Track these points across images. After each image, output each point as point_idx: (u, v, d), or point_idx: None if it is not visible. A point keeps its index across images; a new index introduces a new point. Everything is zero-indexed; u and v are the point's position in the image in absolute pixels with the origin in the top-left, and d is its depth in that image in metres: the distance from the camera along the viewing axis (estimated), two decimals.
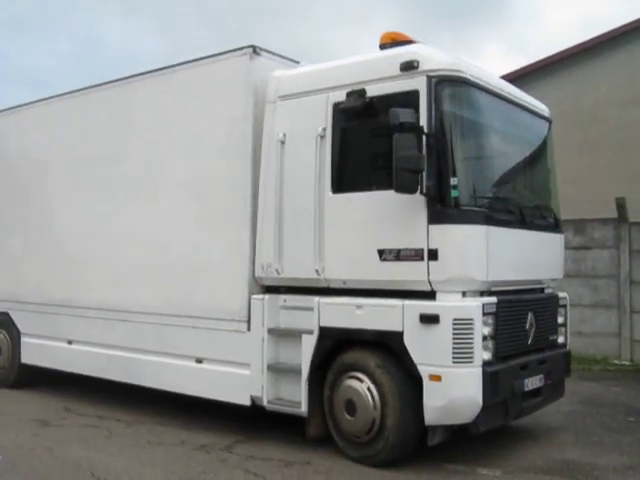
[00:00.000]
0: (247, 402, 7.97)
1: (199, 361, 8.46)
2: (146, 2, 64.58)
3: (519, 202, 7.72)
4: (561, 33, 50.88)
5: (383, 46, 7.68)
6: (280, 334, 7.85)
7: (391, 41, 7.67)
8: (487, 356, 6.79)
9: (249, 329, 7.95)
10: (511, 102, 7.90)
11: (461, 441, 7.46)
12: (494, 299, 6.94)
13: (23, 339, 10.96)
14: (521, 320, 7.46)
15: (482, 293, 7.00)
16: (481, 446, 7.71)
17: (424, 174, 6.68)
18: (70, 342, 10.11)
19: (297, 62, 8.56)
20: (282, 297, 7.92)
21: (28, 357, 10.89)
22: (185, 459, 7.42)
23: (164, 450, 7.78)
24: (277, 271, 7.81)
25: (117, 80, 9.59)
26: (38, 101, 10.83)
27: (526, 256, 7.68)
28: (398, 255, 6.93)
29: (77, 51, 64.22)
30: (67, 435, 8.47)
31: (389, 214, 6.99)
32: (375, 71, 7.29)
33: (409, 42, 7.55)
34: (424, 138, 6.71)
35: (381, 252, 7.04)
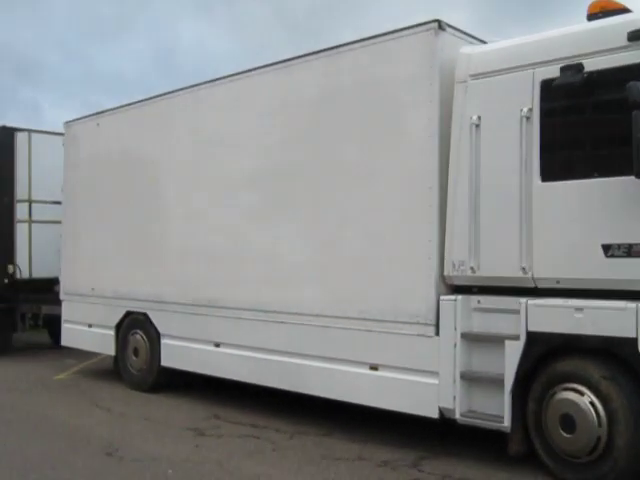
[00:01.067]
0: (435, 414, 7.19)
1: (374, 368, 7.71)
2: (219, 2, 64.33)
3: None
4: None
5: (592, 16, 6.84)
6: (473, 339, 7.05)
7: (601, 9, 6.82)
8: None
9: (437, 333, 7.17)
10: None
11: None
12: None
13: (163, 341, 10.38)
14: None
15: None
16: None
17: None
18: (218, 345, 9.47)
19: (483, 41, 7.75)
20: (475, 298, 7.11)
21: (169, 360, 10.31)
22: (373, 478, 6.68)
23: (345, 467, 7.05)
24: (472, 269, 7.01)
25: (271, 64, 8.91)
26: (180, 90, 10.20)
27: None
28: (629, 251, 6.08)
29: (151, 53, 64.47)
30: (230, 446, 7.82)
31: (617, 204, 6.15)
32: (594, 43, 6.43)
33: (622, 10, 6.70)
34: None
35: (607, 247, 6.19)
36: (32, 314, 14.68)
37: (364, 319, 7.74)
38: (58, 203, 13.56)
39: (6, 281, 14.16)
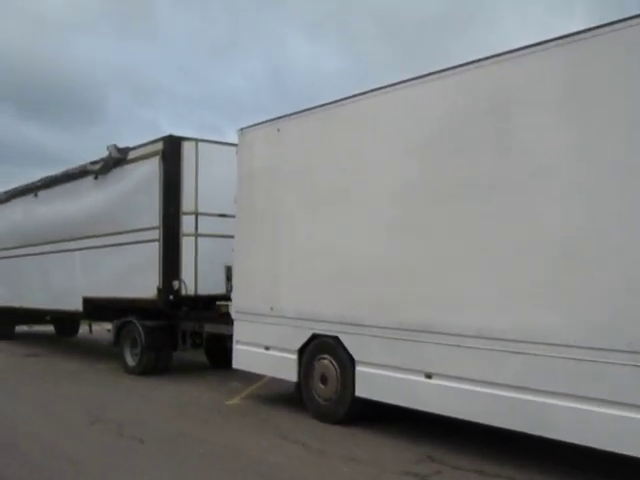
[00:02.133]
0: None
1: None
2: (329, 23, 64.28)
3: None
4: None
5: None
6: None
7: None
8: None
9: None
10: None
11: None
12: None
13: (358, 368, 9.27)
14: None
15: None
16: None
17: None
18: (429, 376, 8.26)
19: None
20: None
21: (366, 390, 9.18)
22: None
23: None
24: None
25: (479, 60, 7.78)
26: (378, 89, 9.09)
27: None
28: None
29: (263, 73, 65.04)
30: None
31: None
32: None
33: None
34: None
35: None
36: (191, 332, 13.90)
37: (635, 352, 6.40)
38: (224, 216, 12.94)
39: (171, 297, 13.45)
